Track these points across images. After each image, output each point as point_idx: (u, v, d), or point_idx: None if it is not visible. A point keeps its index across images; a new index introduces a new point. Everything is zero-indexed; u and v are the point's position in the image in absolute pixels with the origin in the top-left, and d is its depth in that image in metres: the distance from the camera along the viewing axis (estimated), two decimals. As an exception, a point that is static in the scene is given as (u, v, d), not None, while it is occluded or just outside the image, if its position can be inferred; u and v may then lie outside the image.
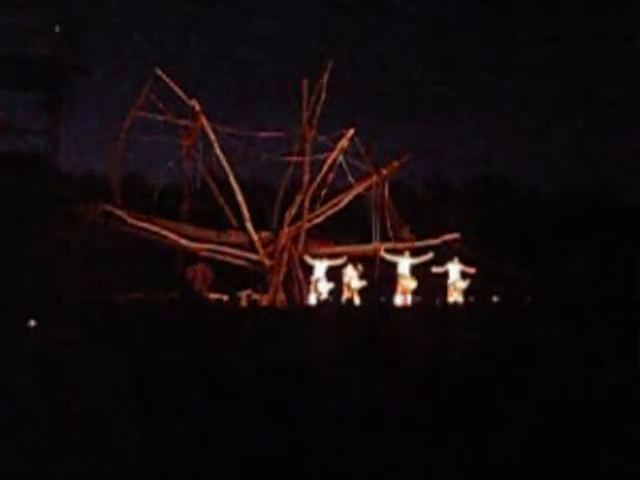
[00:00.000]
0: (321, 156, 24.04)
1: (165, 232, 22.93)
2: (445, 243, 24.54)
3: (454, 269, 22.95)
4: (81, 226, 22.64)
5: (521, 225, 30.67)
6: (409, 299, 22.49)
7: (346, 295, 22.14)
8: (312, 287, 22.49)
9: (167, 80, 23.12)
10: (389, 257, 23.11)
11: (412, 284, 22.61)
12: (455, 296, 22.68)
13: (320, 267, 22.50)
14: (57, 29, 30.35)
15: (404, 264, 22.81)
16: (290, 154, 24.00)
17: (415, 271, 22.87)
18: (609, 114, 57.93)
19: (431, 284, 22.99)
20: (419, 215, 26.92)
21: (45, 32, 30.38)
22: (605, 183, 36.03)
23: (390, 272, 23.02)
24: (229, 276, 23.34)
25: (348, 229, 24.72)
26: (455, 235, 24.60)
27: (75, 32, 31.01)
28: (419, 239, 24.56)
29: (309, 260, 22.83)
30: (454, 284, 22.82)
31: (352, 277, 22.39)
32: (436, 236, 24.47)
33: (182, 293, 22.26)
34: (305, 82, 23.56)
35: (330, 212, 24.28)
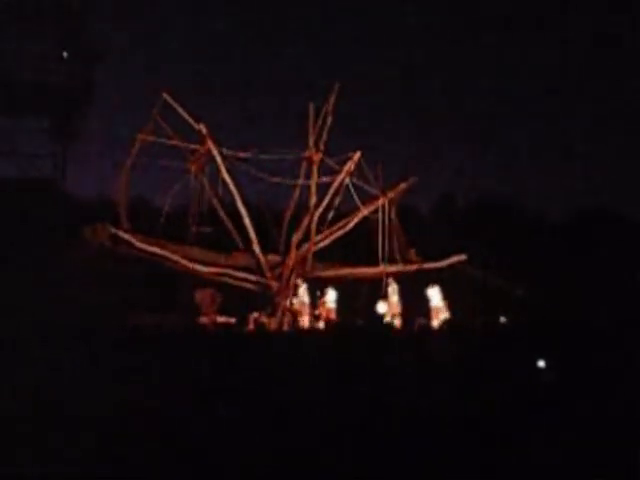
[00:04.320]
0: (328, 179, 24.13)
1: (172, 255, 22.96)
2: (452, 265, 24.58)
3: (434, 293, 23.02)
4: (88, 250, 22.71)
5: (528, 245, 30.64)
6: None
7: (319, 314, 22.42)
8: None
9: (174, 105, 23.27)
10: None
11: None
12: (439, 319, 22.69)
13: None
14: (65, 55, 30.59)
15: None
16: (297, 177, 24.08)
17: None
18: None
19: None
20: (426, 237, 26.94)
21: (53, 59, 30.62)
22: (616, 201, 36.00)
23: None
24: (236, 299, 23.35)
25: (355, 252, 24.74)
26: (462, 257, 24.61)
27: (83, 58, 31.26)
28: (426, 261, 24.59)
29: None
30: (437, 308, 22.82)
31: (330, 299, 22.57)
32: (443, 258, 24.51)
33: (188, 316, 22.29)
34: (311, 105, 23.69)
35: (337, 235, 24.33)
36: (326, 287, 23.27)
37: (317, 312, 22.70)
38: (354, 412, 10.07)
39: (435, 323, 22.57)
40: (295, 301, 22.76)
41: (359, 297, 23.53)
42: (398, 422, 9.45)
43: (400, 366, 13.27)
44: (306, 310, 22.78)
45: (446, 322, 22.09)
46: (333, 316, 22.50)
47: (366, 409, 10.02)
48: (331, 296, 22.76)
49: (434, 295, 23.00)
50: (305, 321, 22.45)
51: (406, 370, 13.11)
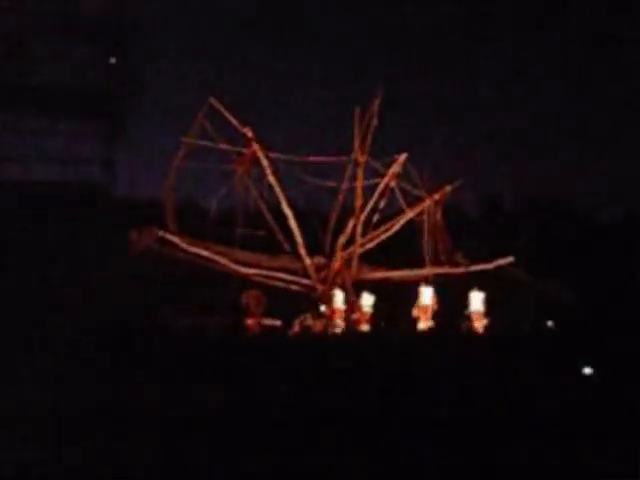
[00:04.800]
0: (373, 181, 24.10)
1: (219, 257, 23.13)
2: (499, 268, 24.33)
3: (477, 298, 22.37)
4: (135, 252, 23.00)
5: (577, 247, 30.21)
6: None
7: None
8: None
9: (221, 108, 23.45)
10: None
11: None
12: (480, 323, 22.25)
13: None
14: (112, 60, 31.04)
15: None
16: (342, 180, 24.08)
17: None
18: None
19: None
20: (472, 239, 26.73)
21: (101, 64, 31.10)
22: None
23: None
24: (282, 302, 23.42)
25: (400, 254, 24.65)
26: (509, 259, 24.35)
27: (130, 63, 31.68)
28: (472, 263, 24.39)
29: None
30: (477, 312, 22.28)
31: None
32: (490, 260, 24.28)
33: (235, 319, 22.45)
34: (357, 108, 23.67)
35: (382, 237, 24.27)
36: (364, 291, 23.07)
37: (354, 316, 22.55)
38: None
39: (476, 327, 22.17)
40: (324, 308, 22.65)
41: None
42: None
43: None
44: (341, 315, 22.60)
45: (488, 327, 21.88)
46: (367, 320, 22.35)
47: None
48: (367, 300, 22.57)
49: (476, 299, 22.48)
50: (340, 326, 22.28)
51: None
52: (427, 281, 23.15)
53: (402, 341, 19.45)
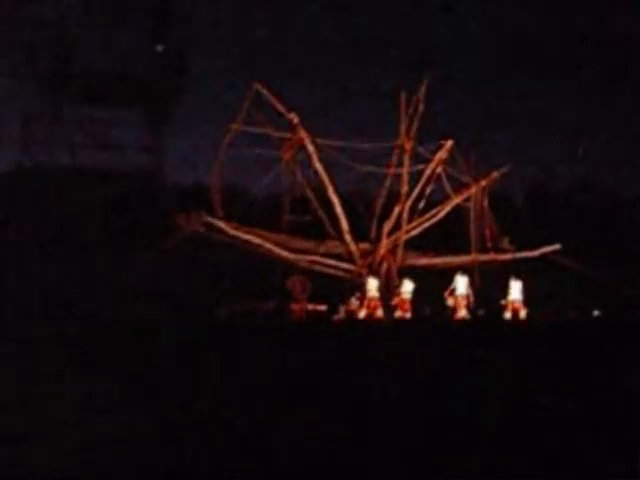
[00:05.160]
0: (419, 167, 24.00)
1: (264, 243, 23.23)
2: (544, 255, 24.15)
3: (516, 286, 22.19)
4: (183, 237, 23.22)
5: (625, 234, 29.81)
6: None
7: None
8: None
9: (267, 94, 23.49)
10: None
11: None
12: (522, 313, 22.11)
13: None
14: (159, 48, 31.26)
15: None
16: (388, 166, 24.02)
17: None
18: None
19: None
20: (519, 226, 26.52)
21: (148, 52, 31.34)
22: None
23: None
24: (328, 287, 23.48)
25: (446, 240, 24.55)
26: (555, 246, 24.15)
27: (176, 50, 31.89)
28: (518, 250, 24.24)
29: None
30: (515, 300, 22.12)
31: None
32: (535, 248, 24.12)
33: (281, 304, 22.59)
34: (403, 94, 23.56)
35: (428, 223, 24.20)
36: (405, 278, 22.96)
37: (393, 303, 22.50)
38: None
39: (508, 315, 22.07)
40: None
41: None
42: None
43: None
44: (374, 303, 22.52)
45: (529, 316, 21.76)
46: (408, 307, 22.25)
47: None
48: (407, 287, 22.44)
49: (515, 288, 22.28)
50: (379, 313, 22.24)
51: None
52: (473, 268, 23.14)
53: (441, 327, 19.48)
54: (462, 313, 21.97)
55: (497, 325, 20.87)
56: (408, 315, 21.98)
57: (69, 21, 30.53)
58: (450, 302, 22.28)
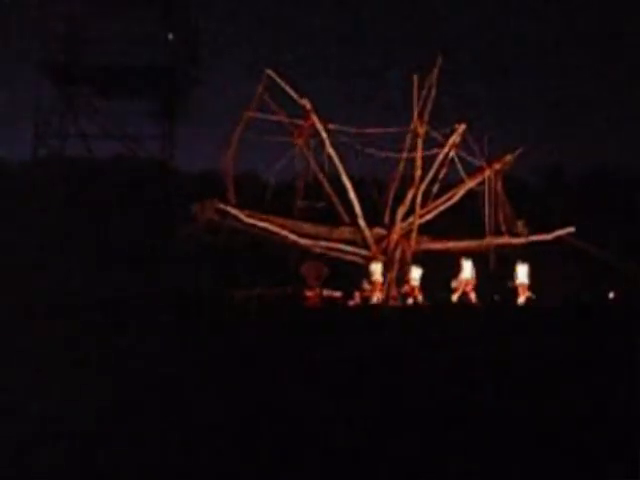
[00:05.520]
0: (433, 151, 23.96)
1: (278, 229, 23.29)
2: (558, 238, 24.07)
3: (522, 270, 22.19)
4: (198, 225, 23.34)
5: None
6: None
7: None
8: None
9: (279, 81, 23.51)
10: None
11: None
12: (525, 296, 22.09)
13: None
14: (170, 37, 31.28)
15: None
16: (402, 150, 23.99)
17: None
18: None
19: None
20: (532, 209, 26.43)
21: (159, 41, 31.36)
22: None
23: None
24: (342, 273, 23.53)
25: (460, 224, 24.51)
26: (570, 229, 24.06)
27: (188, 39, 31.90)
28: (532, 233, 24.15)
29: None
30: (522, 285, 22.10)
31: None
32: (549, 231, 24.05)
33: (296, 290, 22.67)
34: (415, 77, 23.50)
35: (442, 208, 24.17)
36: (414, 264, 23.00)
37: (403, 290, 22.58)
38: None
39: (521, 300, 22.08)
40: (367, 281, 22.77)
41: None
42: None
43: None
44: (379, 288, 22.62)
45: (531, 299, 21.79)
46: (417, 293, 22.36)
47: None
48: (415, 274, 22.54)
49: (522, 272, 22.31)
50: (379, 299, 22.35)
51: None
52: (487, 251, 23.15)
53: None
54: (472, 297, 22.02)
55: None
56: (418, 300, 22.13)
57: (81, 12, 30.61)
58: (454, 285, 22.39)
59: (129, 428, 8.03)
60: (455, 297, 22.14)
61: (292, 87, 23.65)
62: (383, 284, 22.50)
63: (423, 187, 23.71)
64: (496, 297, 22.66)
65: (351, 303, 22.78)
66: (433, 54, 23.97)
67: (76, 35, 30.69)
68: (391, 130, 23.98)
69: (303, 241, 23.43)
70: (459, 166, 24.11)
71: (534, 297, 21.94)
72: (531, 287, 22.05)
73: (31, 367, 10.47)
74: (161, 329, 13.82)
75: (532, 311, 20.44)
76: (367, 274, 23.06)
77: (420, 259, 23.13)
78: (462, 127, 23.90)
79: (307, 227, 23.77)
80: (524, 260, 22.26)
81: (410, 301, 22.22)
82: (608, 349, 12.28)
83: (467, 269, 22.34)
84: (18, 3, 30.69)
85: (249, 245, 23.73)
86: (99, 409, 8.63)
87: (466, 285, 22.18)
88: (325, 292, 23.16)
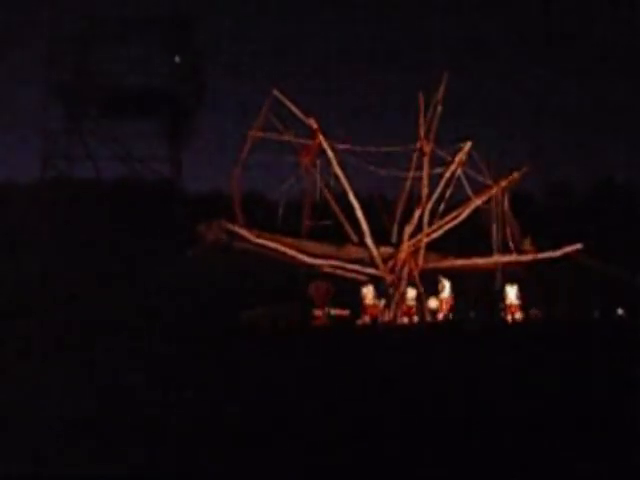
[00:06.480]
0: (439, 170, 23.98)
1: (287, 249, 23.27)
2: (567, 255, 24.02)
3: (512, 291, 22.84)
4: (204, 245, 23.36)
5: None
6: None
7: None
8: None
9: (285, 100, 23.57)
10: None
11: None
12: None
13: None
14: (177, 60, 31.46)
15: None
16: (408, 169, 24.01)
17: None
18: None
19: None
20: (540, 226, 26.40)
21: (165, 63, 31.55)
22: None
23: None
24: (350, 292, 23.50)
25: (468, 243, 24.50)
26: (577, 246, 24.01)
27: (194, 61, 32.08)
28: (540, 251, 24.12)
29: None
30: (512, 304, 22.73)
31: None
32: (557, 248, 24.00)
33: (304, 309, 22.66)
34: (421, 95, 23.55)
35: (449, 226, 24.15)
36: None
37: (435, 306, 22.77)
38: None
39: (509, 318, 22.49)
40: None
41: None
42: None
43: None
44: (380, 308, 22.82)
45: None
46: (413, 313, 22.61)
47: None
48: (411, 293, 22.92)
49: (511, 292, 22.74)
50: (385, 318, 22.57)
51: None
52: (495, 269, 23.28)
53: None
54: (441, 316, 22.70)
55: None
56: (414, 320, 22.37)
57: (90, 35, 30.83)
58: (433, 304, 22.97)
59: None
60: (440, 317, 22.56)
61: (298, 106, 23.71)
62: (387, 304, 22.63)
63: (430, 205, 23.70)
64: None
65: (359, 322, 22.77)
66: (439, 72, 24.06)
67: (84, 58, 30.92)
68: (398, 149, 24.00)
69: (311, 260, 23.41)
70: (465, 184, 24.11)
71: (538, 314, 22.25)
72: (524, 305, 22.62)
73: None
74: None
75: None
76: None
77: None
78: (468, 145, 23.92)
79: (314, 246, 23.75)
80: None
81: (405, 320, 22.47)
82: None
83: (447, 288, 22.92)
84: (27, 24, 30.92)
85: (256, 265, 23.70)
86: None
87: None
88: (333, 311, 23.14)
